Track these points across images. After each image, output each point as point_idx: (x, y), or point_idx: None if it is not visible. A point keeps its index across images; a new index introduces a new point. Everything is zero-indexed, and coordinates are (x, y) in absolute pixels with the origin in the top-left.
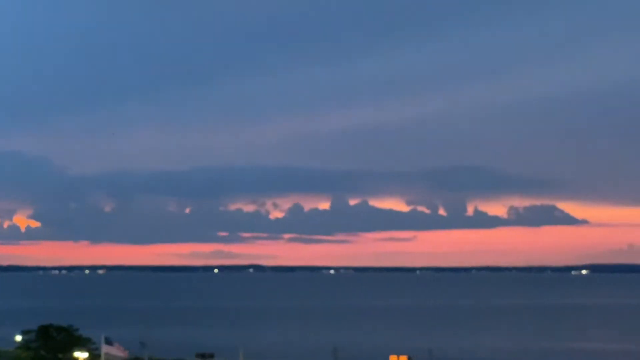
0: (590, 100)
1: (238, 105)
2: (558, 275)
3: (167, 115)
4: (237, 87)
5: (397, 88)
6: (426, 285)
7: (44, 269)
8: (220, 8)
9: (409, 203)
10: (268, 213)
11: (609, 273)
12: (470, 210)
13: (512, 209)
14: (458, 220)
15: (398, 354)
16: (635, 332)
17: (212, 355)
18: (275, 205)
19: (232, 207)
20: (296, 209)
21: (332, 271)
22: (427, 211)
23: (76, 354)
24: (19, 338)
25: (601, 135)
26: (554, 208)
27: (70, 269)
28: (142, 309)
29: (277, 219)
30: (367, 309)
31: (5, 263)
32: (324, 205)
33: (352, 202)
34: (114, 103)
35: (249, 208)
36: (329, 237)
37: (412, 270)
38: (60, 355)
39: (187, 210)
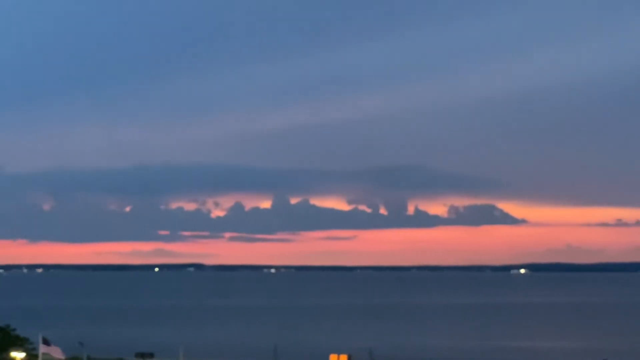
0: (530, 100)
1: (179, 103)
2: (497, 274)
3: (107, 113)
4: (178, 85)
5: (338, 86)
6: (367, 284)
7: None
8: (160, 6)
9: (349, 202)
10: (209, 212)
11: (547, 272)
12: (410, 210)
13: (452, 208)
14: (399, 220)
15: (338, 353)
16: (571, 330)
17: (151, 355)
18: (217, 204)
19: (173, 205)
20: (237, 208)
21: (273, 270)
22: (368, 210)
23: (13, 354)
24: None
25: (541, 135)
26: (494, 208)
27: (7, 267)
28: (81, 308)
29: (218, 218)
30: (307, 307)
31: None
32: (265, 204)
33: (293, 201)
34: (52, 99)
35: (190, 207)
36: (270, 236)
37: (352, 269)
38: None
39: (128, 209)
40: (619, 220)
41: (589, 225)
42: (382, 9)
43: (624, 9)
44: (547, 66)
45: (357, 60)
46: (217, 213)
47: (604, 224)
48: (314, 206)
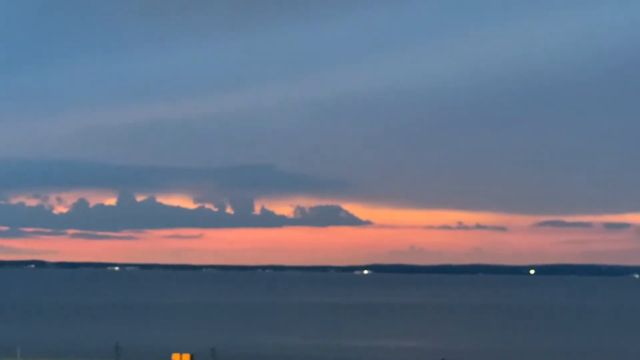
0: (376, 102)
1: (24, 96)
2: (341, 274)
3: None
4: (23, 76)
5: (187, 84)
6: (212, 283)
7: None
8: None
9: (196, 200)
10: (52, 208)
11: (390, 273)
12: (257, 209)
13: (298, 208)
14: (245, 219)
15: (181, 352)
16: (411, 330)
17: None
18: (60, 200)
19: (14, 200)
20: (81, 204)
21: (116, 268)
22: (215, 209)
23: None
24: None
25: (387, 138)
26: (339, 209)
27: None
28: None
29: (62, 214)
30: (150, 306)
31: None
32: (110, 201)
33: (139, 198)
34: None
35: (31, 202)
36: (115, 234)
37: (198, 268)
38: None
39: None
40: (460, 223)
41: (431, 227)
42: (249, 4)
43: (484, 9)
44: (394, 70)
45: (206, 58)
46: (60, 209)
47: (446, 227)
48: (160, 204)
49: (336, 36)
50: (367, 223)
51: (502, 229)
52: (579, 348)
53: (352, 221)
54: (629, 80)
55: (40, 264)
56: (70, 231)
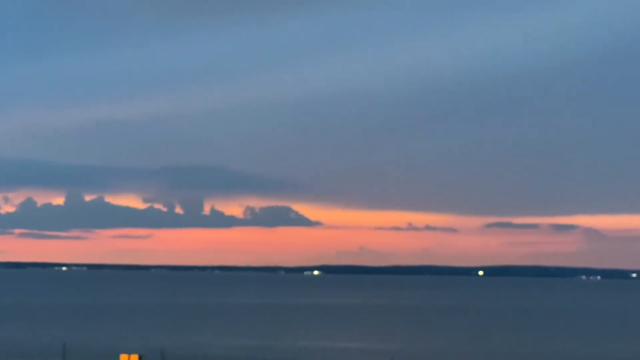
0: (326, 103)
1: None
2: (290, 275)
3: None
4: None
5: (136, 83)
6: (161, 284)
7: None
8: None
9: (145, 200)
10: None
11: (339, 274)
12: (207, 209)
13: (248, 209)
14: (195, 219)
15: (129, 352)
16: (361, 331)
17: None
18: (6, 199)
19: None
20: (29, 204)
21: (64, 268)
22: (164, 209)
23: None
24: None
25: (336, 138)
26: (289, 209)
27: None
28: None
29: (8, 214)
30: (98, 306)
31: None
32: (58, 200)
33: (88, 198)
34: None
35: None
36: (63, 233)
37: (147, 268)
38: None
39: None
40: (410, 224)
41: (381, 228)
42: (194, 5)
43: (434, 15)
44: (345, 70)
45: (156, 58)
46: (7, 209)
47: (396, 228)
48: (108, 204)
49: (288, 38)
50: (317, 224)
51: (451, 230)
52: (524, 349)
53: (302, 222)
54: (577, 82)
55: None
56: (17, 231)
